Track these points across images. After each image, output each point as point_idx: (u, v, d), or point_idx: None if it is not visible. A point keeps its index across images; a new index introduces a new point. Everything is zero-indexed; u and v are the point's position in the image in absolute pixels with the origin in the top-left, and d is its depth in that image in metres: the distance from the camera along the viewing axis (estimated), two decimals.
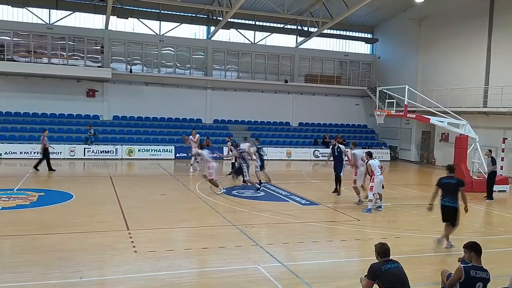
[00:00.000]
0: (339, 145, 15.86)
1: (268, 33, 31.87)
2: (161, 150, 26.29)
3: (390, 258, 5.54)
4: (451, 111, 19.53)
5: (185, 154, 26.56)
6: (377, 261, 5.57)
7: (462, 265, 5.56)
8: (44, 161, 19.12)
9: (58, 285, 6.71)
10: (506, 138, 21.01)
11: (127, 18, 28.12)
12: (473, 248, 5.66)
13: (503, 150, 20.43)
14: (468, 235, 10.54)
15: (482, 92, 24.45)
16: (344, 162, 15.54)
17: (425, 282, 7.30)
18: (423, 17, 29.19)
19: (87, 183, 17.12)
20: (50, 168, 19.11)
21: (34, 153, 23.67)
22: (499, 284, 5.99)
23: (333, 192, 15.67)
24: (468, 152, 18.64)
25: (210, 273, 7.73)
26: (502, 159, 20.11)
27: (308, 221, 11.49)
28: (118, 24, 28.86)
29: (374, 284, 5.42)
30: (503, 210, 14.48)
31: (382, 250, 5.58)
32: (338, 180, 15.55)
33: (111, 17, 26.91)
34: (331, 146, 16.12)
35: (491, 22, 24.57)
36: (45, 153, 19.17)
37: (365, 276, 5.48)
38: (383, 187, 13.20)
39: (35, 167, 18.84)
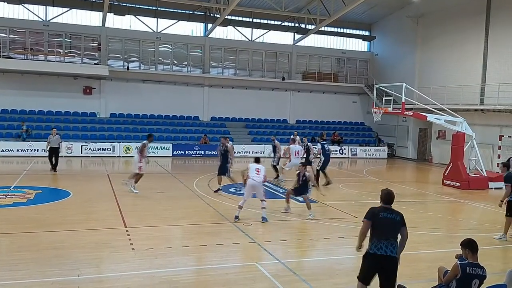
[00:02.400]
0: (308, 143, 17.00)
1: (266, 31, 31.82)
2: (159, 148, 26.24)
3: (390, 207, 5.88)
4: (448, 109, 19.59)
5: (182, 152, 26.60)
6: (379, 206, 5.92)
7: (458, 262, 5.59)
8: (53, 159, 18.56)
9: (56, 283, 6.71)
10: (503, 136, 21.09)
11: (124, 15, 28.03)
12: (468, 246, 5.69)
13: (499, 148, 20.52)
14: (465, 232, 10.61)
15: (478, 90, 24.50)
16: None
17: (422, 279, 7.33)
18: (420, 15, 29.21)
19: (84, 180, 17.08)
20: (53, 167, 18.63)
21: (31, 150, 23.69)
22: (495, 281, 6.03)
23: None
24: (465, 149, 18.73)
25: (208, 270, 7.74)
26: (499, 156, 20.20)
27: (305, 219, 11.51)
28: (115, 21, 28.77)
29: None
30: (499, 207, 14.52)
31: (387, 198, 5.93)
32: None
33: (108, 14, 26.79)
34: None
35: (488, 20, 24.61)
36: (49, 151, 18.53)
37: (364, 217, 5.90)
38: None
39: (54, 169, 18.45)
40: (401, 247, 5.86)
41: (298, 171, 12.10)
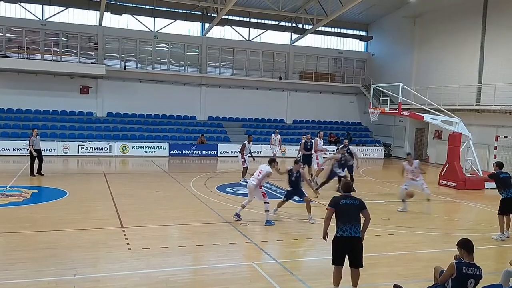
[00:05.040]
0: (349, 146, 16.17)
1: (263, 30, 31.82)
2: (155, 147, 26.22)
3: (349, 195, 6.69)
4: (444, 109, 19.63)
5: (179, 151, 26.58)
6: (340, 194, 6.80)
7: (454, 262, 5.61)
8: (36, 163, 16.96)
9: (52, 283, 6.69)
10: (499, 136, 21.15)
11: (121, 14, 27.96)
12: (464, 246, 5.71)
13: (495, 148, 20.58)
14: (461, 232, 10.64)
15: (475, 90, 24.56)
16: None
17: (418, 279, 7.36)
18: (417, 15, 29.27)
19: (81, 180, 17.04)
20: (39, 172, 16.96)
21: (28, 150, 23.57)
22: (491, 281, 6.06)
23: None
24: (461, 149, 18.78)
25: (205, 270, 7.74)
26: (495, 156, 20.24)
27: (302, 218, 11.51)
28: (112, 20, 28.68)
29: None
30: (495, 207, 14.57)
31: (346, 187, 6.87)
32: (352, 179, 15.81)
33: (105, 13, 26.73)
34: (341, 146, 16.53)
35: (485, 20, 24.68)
36: (31, 155, 16.94)
37: (328, 205, 6.66)
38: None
39: (38, 172, 16.94)
40: (365, 226, 6.61)
41: (291, 167, 11.63)
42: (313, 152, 17.22)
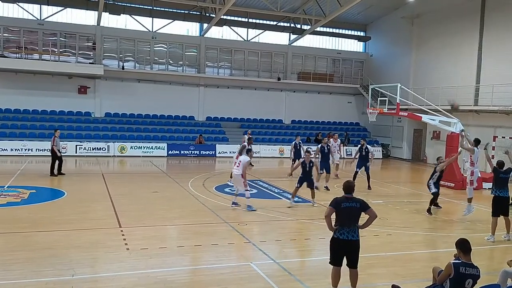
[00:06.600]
0: (367, 145, 17.04)
1: (261, 31, 31.82)
2: (154, 148, 26.20)
3: (351, 196, 6.58)
4: (442, 109, 19.68)
5: (177, 152, 26.57)
6: (342, 195, 6.68)
7: (452, 262, 5.61)
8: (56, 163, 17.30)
9: (50, 283, 6.69)
10: (497, 136, 21.21)
11: (119, 15, 27.92)
12: (460, 246, 5.71)
13: (493, 148, 20.64)
14: (459, 232, 10.67)
15: (473, 91, 24.62)
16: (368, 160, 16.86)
17: (416, 279, 7.37)
18: (415, 16, 29.33)
19: (79, 180, 17.01)
20: (59, 172, 17.31)
21: (25, 150, 23.57)
22: (489, 281, 6.07)
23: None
24: (459, 150, 18.78)
25: (203, 270, 7.74)
26: (493, 157, 20.29)
27: (300, 219, 11.54)
28: (110, 20, 28.65)
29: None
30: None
31: (347, 188, 6.66)
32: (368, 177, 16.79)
33: (103, 13, 26.68)
34: (359, 146, 17.16)
35: (483, 21, 24.75)
36: (54, 155, 17.26)
37: (329, 205, 6.60)
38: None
39: (52, 173, 17.12)
40: (369, 222, 6.60)
41: (303, 159, 13.09)
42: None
